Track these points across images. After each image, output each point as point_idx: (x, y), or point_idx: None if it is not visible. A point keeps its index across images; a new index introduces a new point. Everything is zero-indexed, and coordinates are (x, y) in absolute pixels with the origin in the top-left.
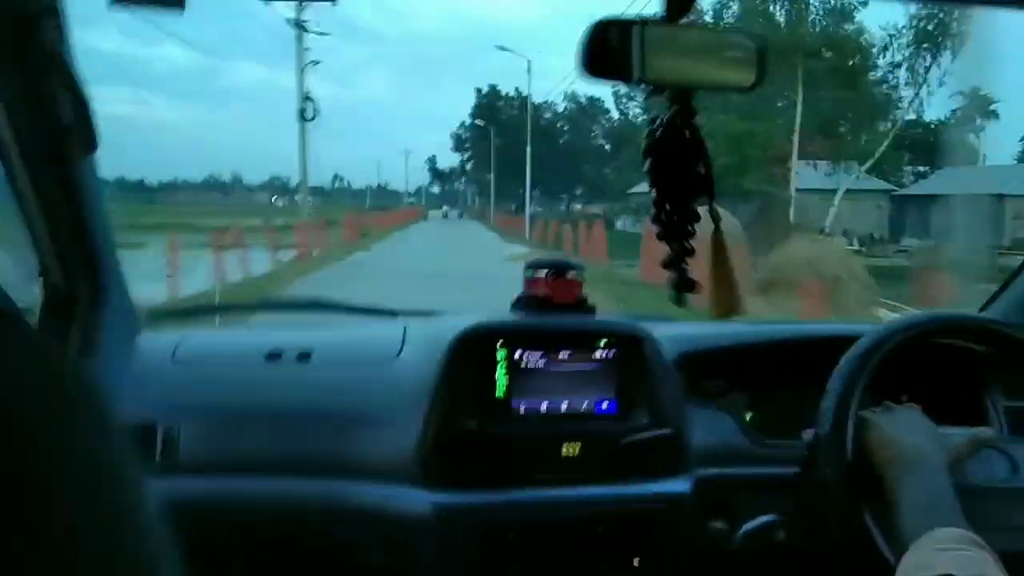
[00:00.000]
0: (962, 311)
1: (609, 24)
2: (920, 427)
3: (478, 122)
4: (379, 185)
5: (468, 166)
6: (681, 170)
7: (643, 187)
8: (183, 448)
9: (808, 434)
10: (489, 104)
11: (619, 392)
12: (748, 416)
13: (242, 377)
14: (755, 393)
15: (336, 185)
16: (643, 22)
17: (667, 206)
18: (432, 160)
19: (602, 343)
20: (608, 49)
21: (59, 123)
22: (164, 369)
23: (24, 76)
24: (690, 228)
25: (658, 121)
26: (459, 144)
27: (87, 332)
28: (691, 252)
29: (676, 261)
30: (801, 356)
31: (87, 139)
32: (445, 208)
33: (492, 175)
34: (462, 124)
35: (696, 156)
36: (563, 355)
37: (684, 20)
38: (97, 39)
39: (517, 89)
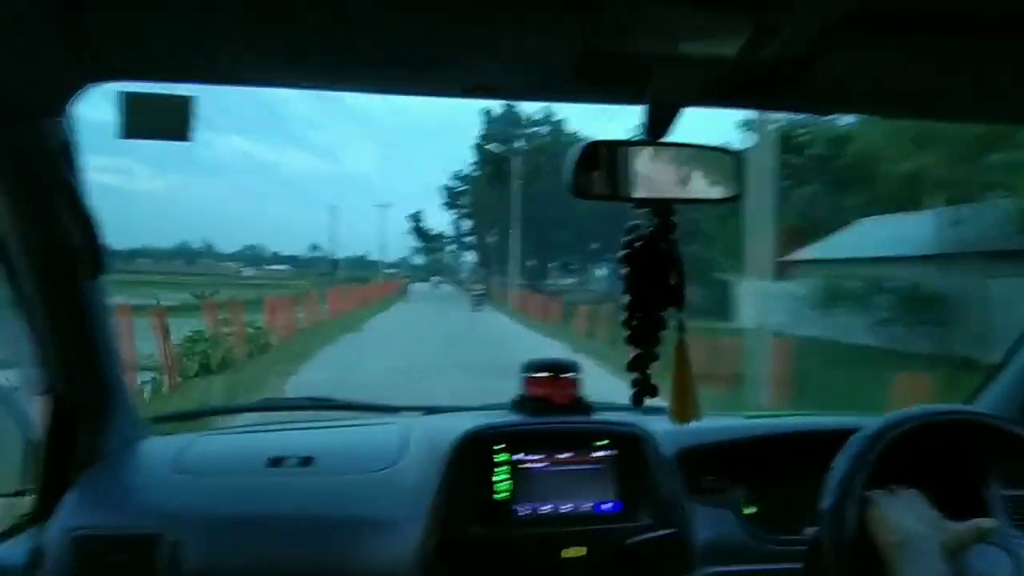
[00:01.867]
0: (954, 406)
1: (596, 145)
2: (921, 513)
3: (491, 147)
4: (359, 256)
5: (463, 225)
6: (655, 281)
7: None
8: (187, 559)
9: (810, 532)
10: (503, 131)
11: (621, 492)
12: (749, 511)
13: (245, 485)
14: (755, 487)
15: (315, 254)
16: (628, 143)
17: (638, 313)
18: (416, 217)
19: (602, 443)
20: (595, 169)
21: (70, 248)
22: (168, 478)
23: (38, 206)
24: (658, 336)
25: (636, 232)
26: (453, 200)
27: (92, 441)
28: (656, 358)
29: (640, 365)
30: (799, 450)
31: (96, 263)
32: (436, 279)
33: (516, 222)
34: (457, 175)
35: (670, 269)
36: (563, 456)
37: (665, 139)
38: (85, 110)
39: (547, 110)
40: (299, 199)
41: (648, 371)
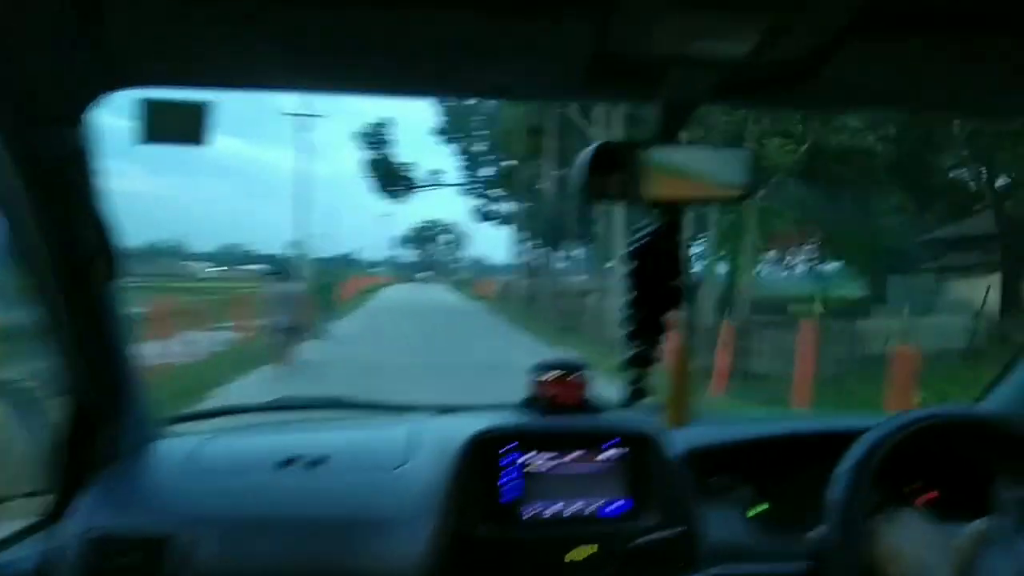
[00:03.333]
0: (962, 407)
1: (607, 147)
2: (926, 537)
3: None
4: (344, 254)
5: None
6: (659, 280)
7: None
8: (199, 560)
9: (816, 533)
10: None
11: (629, 492)
12: (757, 511)
13: (257, 485)
14: (762, 488)
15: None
16: (639, 143)
17: (639, 311)
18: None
19: (610, 444)
20: (607, 171)
21: (87, 252)
22: (180, 479)
23: (55, 211)
24: (658, 337)
25: (645, 229)
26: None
27: (107, 442)
28: (653, 361)
29: (636, 364)
30: (809, 451)
31: (111, 267)
32: (425, 274)
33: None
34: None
35: (674, 270)
36: (572, 457)
37: (677, 138)
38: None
39: None
40: (291, 197)
41: (644, 372)
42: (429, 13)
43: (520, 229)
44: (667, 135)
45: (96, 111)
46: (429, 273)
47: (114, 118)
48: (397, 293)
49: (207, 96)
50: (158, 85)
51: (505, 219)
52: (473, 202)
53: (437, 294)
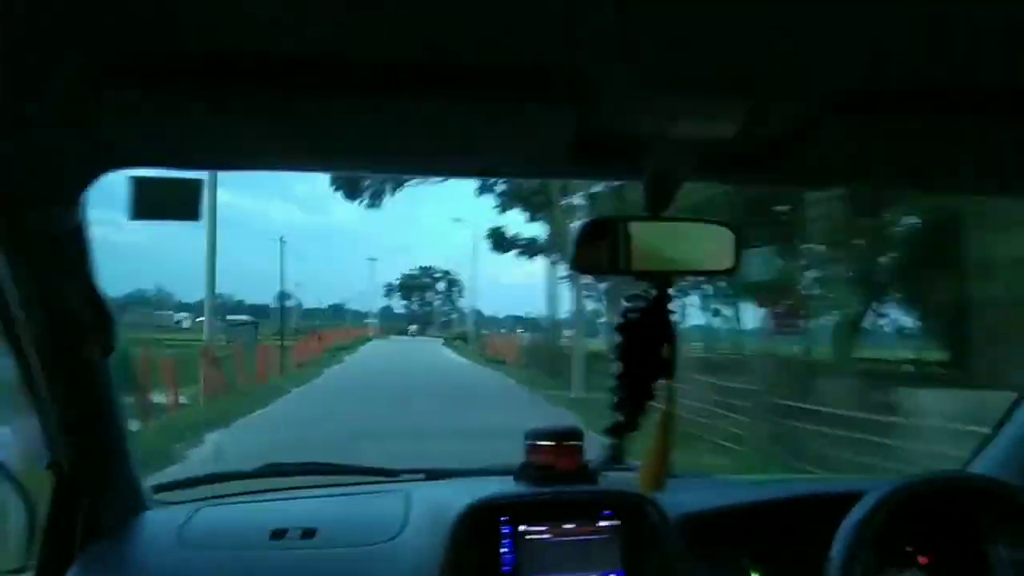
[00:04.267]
0: (954, 471)
1: (597, 222)
2: None
3: None
4: (336, 304)
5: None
6: (648, 351)
7: None
8: None
9: None
10: None
11: (625, 562)
12: None
13: (248, 560)
14: (757, 554)
15: (282, 303)
16: (628, 218)
17: (626, 381)
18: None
19: (606, 513)
20: (597, 244)
21: (80, 327)
22: (171, 553)
23: (50, 288)
24: (643, 405)
25: (634, 302)
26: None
27: (94, 515)
28: (636, 428)
29: (619, 431)
30: (805, 515)
31: (105, 344)
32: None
33: None
34: None
35: (664, 340)
36: (568, 526)
37: (665, 212)
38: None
39: None
40: (286, 249)
41: (623, 439)
42: (416, 97)
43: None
44: (654, 209)
45: (91, 191)
46: (415, 327)
47: None
48: (379, 350)
49: (199, 174)
50: (156, 166)
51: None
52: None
53: (434, 352)
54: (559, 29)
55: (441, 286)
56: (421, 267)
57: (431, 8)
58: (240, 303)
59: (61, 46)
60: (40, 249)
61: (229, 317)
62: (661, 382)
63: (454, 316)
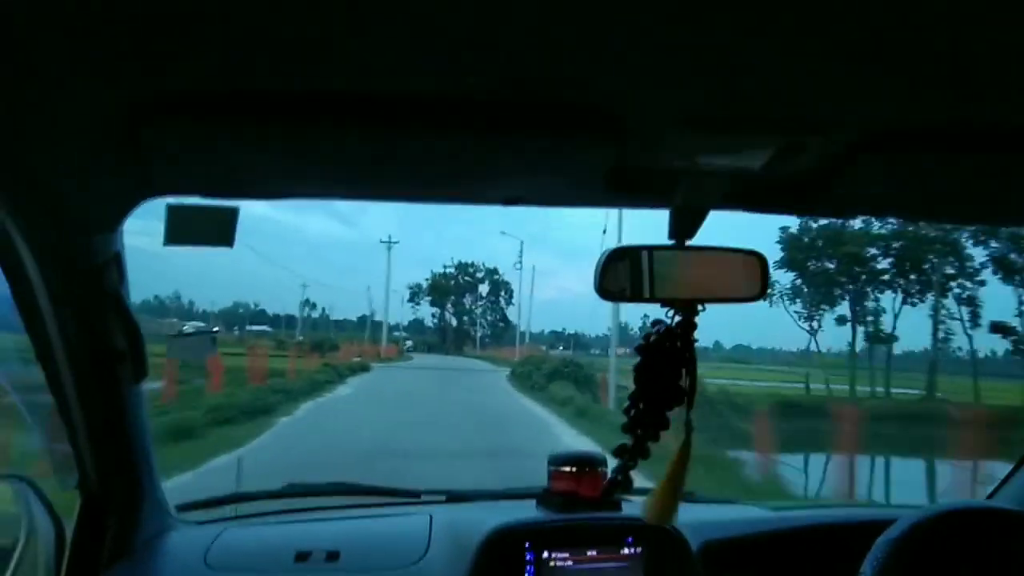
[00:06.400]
0: (982, 503)
1: (621, 250)
2: None
3: None
4: (363, 316)
5: None
6: (667, 379)
7: None
8: None
9: None
10: None
11: None
12: None
13: None
14: None
15: (307, 314)
16: (653, 247)
17: (641, 404)
18: None
19: (629, 540)
20: (622, 272)
21: (113, 353)
22: (198, 574)
23: (86, 314)
24: (656, 432)
25: (658, 327)
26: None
27: (121, 535)
28: (646, 455)
29: (627, 454)
30: (827, 544)
31: (139, 368)
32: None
33: None
34: None
35: (683, 367)
36: (590, 553)
37: (691, 240)
38: None
39: None
40: (320, 262)
41: (631, 463)
42: (458, 135)
43: None
44: (680, 237)
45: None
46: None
47: None
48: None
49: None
50: (194, 193)
51: None
52: None
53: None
54: (599, 70)
55: (484, 288)
56: (459, 263)
57: (475, 47)
58: (261, 312)
59: (105, 84)
60: (79, 275)
61: (250, 327)
62: (679, 410)
63: (500, 327)
